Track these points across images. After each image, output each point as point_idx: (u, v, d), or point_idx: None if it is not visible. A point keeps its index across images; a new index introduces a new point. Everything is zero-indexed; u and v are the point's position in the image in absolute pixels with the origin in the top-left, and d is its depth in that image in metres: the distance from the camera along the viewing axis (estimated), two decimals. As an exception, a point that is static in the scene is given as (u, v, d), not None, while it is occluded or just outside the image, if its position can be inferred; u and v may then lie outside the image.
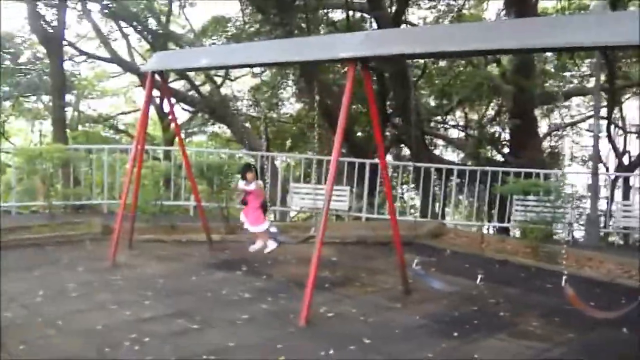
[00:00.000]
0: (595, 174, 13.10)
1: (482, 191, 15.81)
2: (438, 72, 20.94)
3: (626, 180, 16.61)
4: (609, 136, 20.51)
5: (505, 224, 14.62)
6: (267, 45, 8.25)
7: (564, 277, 6.63)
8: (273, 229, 9.16)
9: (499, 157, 21.69)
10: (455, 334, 6.73)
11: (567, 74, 23.49)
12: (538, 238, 10.24)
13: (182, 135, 22.81)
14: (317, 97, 8.28)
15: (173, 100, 20.95)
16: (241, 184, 9.18)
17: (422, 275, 7.65)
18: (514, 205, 13.21)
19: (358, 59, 6.92)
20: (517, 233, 14.88)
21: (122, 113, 27.78)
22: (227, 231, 11.30)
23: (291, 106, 23.46)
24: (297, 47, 7.41)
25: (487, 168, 14.41)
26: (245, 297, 7.77)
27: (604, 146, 24.54)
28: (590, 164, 26.69)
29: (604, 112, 24.22)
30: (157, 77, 9.18)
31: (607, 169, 23.25)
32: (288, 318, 7.00)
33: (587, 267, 9.85)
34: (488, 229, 16.54)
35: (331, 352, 6.02)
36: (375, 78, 17.81)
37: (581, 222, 14.29)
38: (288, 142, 24.05)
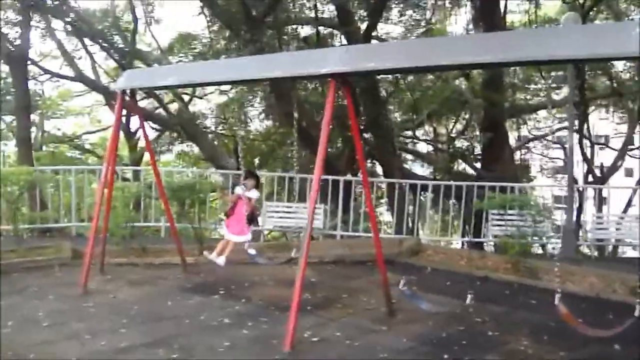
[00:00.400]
0: (570, 186, 13.03)
1: (456, 206, 15.72)
2: (407, 87, 20.84)
3: (599, 192, 16.63)
4: (580, 148, 20.60)
5: (477, 239, 14.50)
6: (245, 61, 8.03)
7: (557, 295, 6.47)
8: (252, 251, 8.90)
9: (470, 171, 21.63)
10: (445, 356, 6.54)
11: (533, 86, 23.58)
12: (519, 253, 10.11)
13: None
14: (296, 115, 8.06)
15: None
16: (239, 190, 8.95)
17: (409, 296, 7.43)
18: (489, 220, 13.08)
19: (339, 74, 6.72)
20: (492, 248, 14.79)
21: (87, 132, 27.23)
22: (200, 253, 10.96)
23: (260, 123, 23.21)
24: (276, 63, 7.19)
25: (462, 183, 14.30)
26: (225, 323, 7.49)
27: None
28: (558, 176, 26.95)
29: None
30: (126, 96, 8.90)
31: (576, 181, 23.37)
32: (271, 344, 6.74)
33: (570, 282, 9.71)
34: (463, 244, 16.43)
35: (320, 379, 5.80)
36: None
37: (552, 235, 14.15)
38: (256, 160, 23.74)
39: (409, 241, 11.95)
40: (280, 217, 13.75)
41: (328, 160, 17.97)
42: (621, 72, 21.93)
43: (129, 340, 6.77)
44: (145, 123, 15.77)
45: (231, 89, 22.18)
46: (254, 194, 9.03)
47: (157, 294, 8.79)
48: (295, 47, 17.37)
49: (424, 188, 15.77)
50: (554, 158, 27.46)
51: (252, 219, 9.05)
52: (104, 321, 7.46)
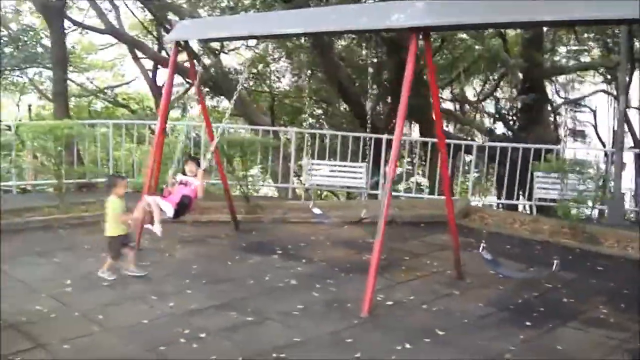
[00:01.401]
0: (620, 150, 12.63)
1: (494, 167, 15.33)
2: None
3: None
4: (625, 112, 20.05)
5: (514, 202, 14.20)
6: (316, 13, 7.60)
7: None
8: (317, 210, 8.61)
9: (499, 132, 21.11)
10: (528, 323, 6.30)
11: (564, 48, 22.91)
12: (578, 218, 9.83)
13: (180, 110, 22.15)
14: (370, 71, 7.70)
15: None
16: (179, 177, 8.27)
17: (490, 261, 7.14)
18: (535, 183, 12.71)
19: (422, 28, 6.37)
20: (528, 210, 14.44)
21: (109, 87, 26.67)
22: (247, 211, 10.72)
23: (285, 80, 22.59)
24: (351, 14, 6.81)
25: (508, 144, 13.89)
26: (292, 284, 7.25)
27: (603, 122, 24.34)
28: (586, 140, 26.44)
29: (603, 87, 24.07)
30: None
31: (604, 146, 22.89)
32: (346, 307, 6.51)
33: (630, 248, 9.46)
34: (498, 206, 16.08)
35: (407, 346, 5.56)
36: (381, 51, 17.07)
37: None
38: (284, 117, 23.24)
39: (459, 202, 11.64)
40: (322, 176, 13.45)
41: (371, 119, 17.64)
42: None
43: (198, 302, 6.54)
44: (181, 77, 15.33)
45: (257, 44, 21.61)
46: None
47: (214, 253, 8.57)
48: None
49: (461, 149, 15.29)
50: (584, 122, 26.91)
51: (182, 210, 7.92)
52: (166, 282, 7.25)
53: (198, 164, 8.15)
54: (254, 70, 21.03)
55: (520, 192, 14.80)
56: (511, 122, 19.76)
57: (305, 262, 8.17)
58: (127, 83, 26.64)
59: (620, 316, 6.65)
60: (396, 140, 6.42)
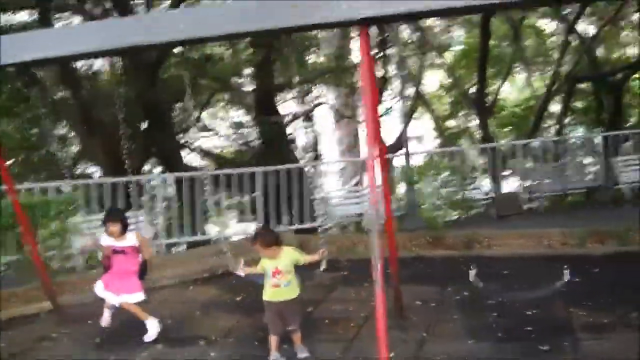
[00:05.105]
0: (407, 155, 12.52)
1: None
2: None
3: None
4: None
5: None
6: (222, 11, 5.60)
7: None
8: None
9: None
10: (543, 347, 5.50)
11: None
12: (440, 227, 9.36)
13: None
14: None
15: None
16: (104, 240, 6.43)
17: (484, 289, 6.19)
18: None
19: (370, 19, 5.12)
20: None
21: None
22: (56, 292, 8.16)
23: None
24: (278, 10, 5.20)
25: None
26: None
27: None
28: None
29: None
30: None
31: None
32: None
33: (495, 246, 9.39)
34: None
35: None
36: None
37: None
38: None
39: (288, 236, 10.47)
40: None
41: (118, 158, 15.22)
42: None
43: None
44: None
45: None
46: (131, 239, 6.42)
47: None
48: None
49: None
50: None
51: (143, 271, 6.53)
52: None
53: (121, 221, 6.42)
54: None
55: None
56: (252, 146, 18.82)
57: (208, 344, 6.22)
58: None
59: (605, 317, 6.21)
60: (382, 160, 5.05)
